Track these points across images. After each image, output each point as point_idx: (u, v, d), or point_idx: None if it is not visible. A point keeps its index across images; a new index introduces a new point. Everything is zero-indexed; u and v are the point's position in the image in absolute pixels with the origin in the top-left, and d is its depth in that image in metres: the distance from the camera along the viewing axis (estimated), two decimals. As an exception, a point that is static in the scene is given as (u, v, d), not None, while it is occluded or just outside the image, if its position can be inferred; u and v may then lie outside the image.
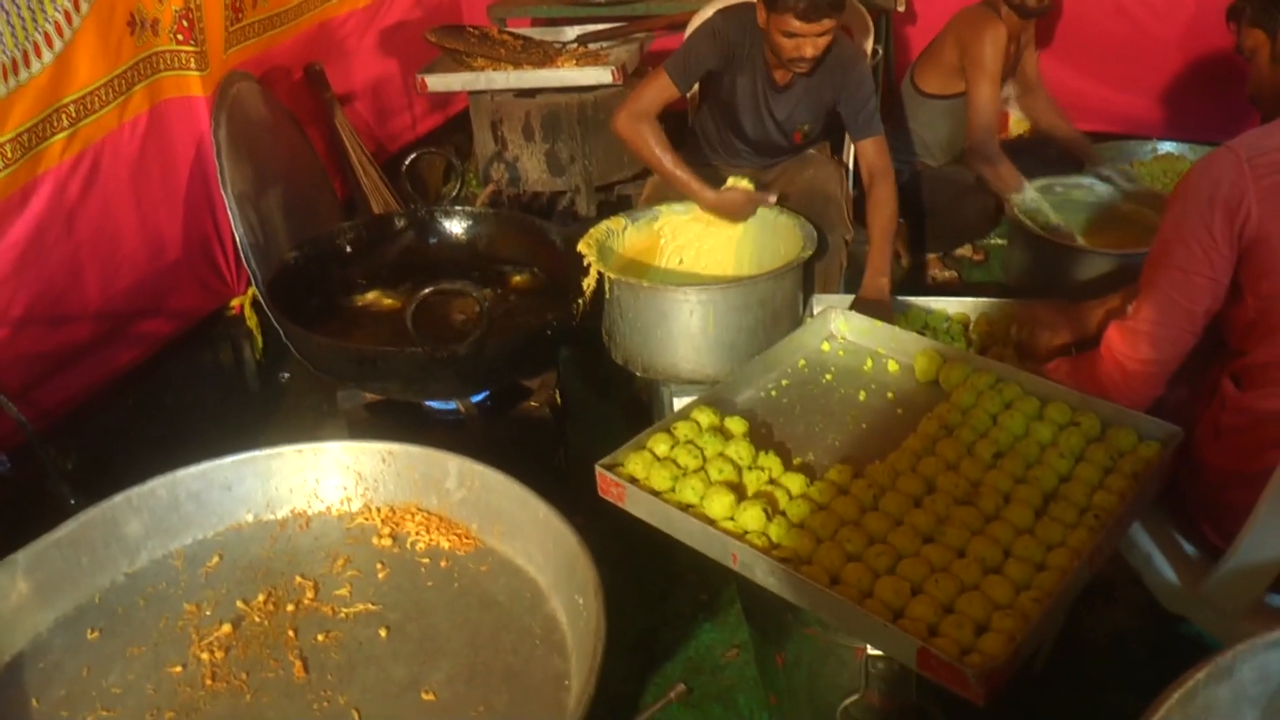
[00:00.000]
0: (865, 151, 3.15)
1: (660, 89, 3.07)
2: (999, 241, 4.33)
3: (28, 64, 2.56)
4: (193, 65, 3.15)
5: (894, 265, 4.25)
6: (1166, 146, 4.28)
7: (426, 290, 2.39)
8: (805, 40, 2.86)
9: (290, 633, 1.88)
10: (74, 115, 2.74)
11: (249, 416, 3.47)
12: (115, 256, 2.94)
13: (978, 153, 3.57)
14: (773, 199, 3.08)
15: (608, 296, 2.82)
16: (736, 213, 3.07)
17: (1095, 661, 2.46)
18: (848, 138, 3.35)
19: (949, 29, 3.73)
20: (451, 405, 2.80)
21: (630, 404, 3.32)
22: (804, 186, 3.25)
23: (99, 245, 2.88)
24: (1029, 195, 3.52)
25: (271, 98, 3.55)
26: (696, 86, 3.32)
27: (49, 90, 2.65)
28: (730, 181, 3.10)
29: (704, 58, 3.09)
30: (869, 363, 2.45)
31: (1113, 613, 2.54)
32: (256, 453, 2.14)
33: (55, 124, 2.69)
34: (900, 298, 2.89)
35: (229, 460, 2.12)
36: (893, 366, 2.43)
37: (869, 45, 3.90)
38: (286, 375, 3.69)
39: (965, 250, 4.27)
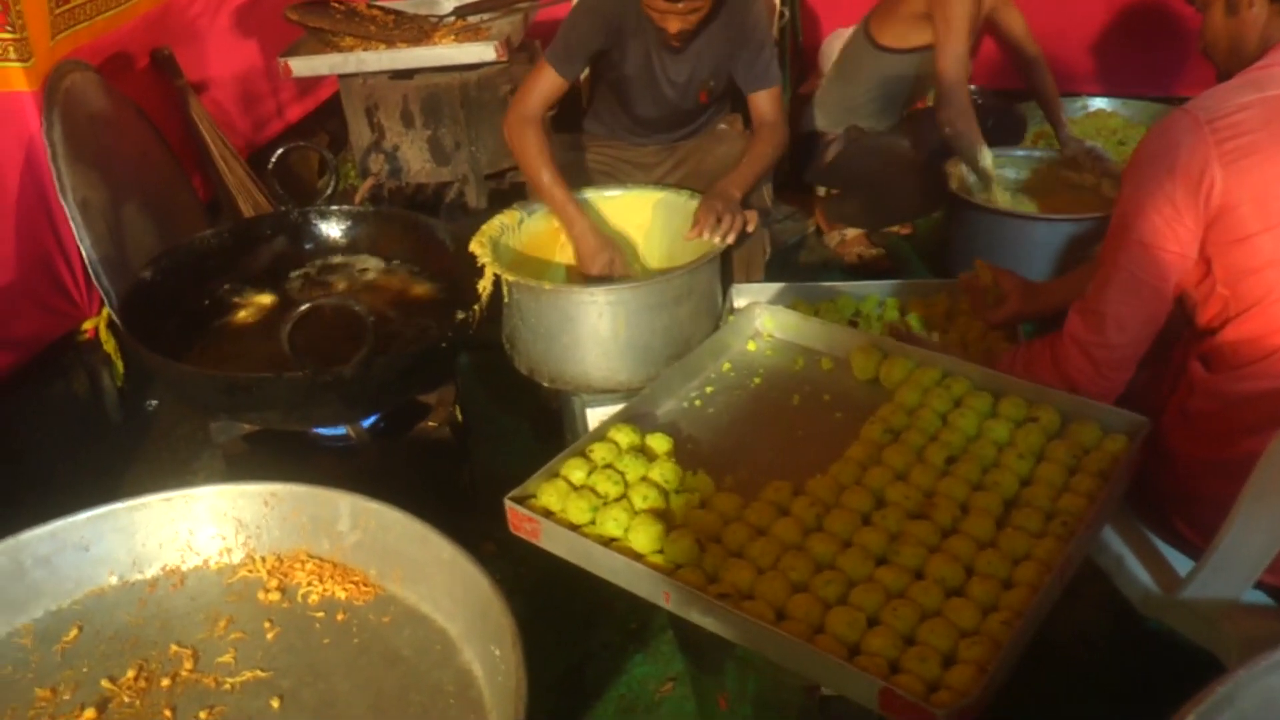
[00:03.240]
0: (759, 104, 3.10)
1: (544, 82, 3.00)
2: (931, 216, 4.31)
3: None
4: (12, 55, 2.95)
5: (813, 239, 4.24)
6: (1098, 103, 4.31)
7: (303, 307, 2.27)
8: (670, 16, 2.82)
9: (167, 712, 1.80)
10: None
11: (113, 453, 3.32)
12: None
13: (950, 104, 3.52)
14: (630, 275, 3.00)
15: (506, 300, 2.73)
16: (590, 263, 2.97)
17: (1060, 666, 2.43)
18: None
19: None
20: (341, 430, 2.69)
21: (539, 414, 3.23)
22: (716, 165, 3.18)
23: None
24: (988, 158, 3.52)
25: (113, 89, 3.38)
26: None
27: None
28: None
29: (585, 38, 3.01)
30: (800, 361, 2.40)
31: (1077, 611, 2.52)
32: (117, 505, 2.06)
33: None
34: (828, 283, 2.84)
35: (84, 516, 2.03)
36: (826, 364, 2.38)
37: (776, 5, 3.85)
38: (154, 402, 3.54)
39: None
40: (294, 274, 3.07)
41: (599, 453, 2.04)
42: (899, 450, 2.04)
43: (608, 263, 2.94)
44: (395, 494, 2.00)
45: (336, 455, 2.73)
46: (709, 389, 2.33)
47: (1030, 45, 3.86)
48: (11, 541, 1.94)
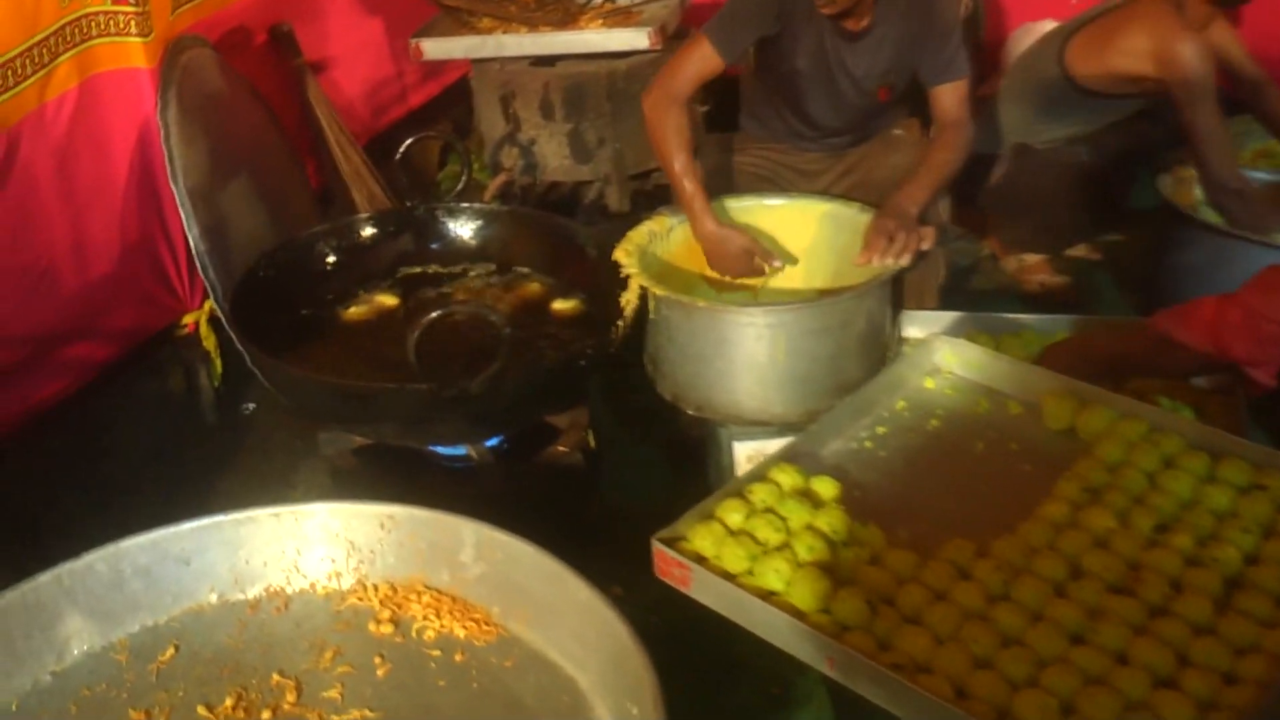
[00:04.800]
0: (942, 99, 3.05)
1: (699, 60, 2.96)
2: (1117, 237, 4.21)
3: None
4: (133, 29, 3.03)
5: (989, 263, 4.18)
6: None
7: (433, 315, 2.30)
8: None
9: (267, 748, 1.81)
10: (-21, 93, 2.64)
11: (206, 457, 3.38)
12: (34, 267, 2.84)
13: (1226, 188, 3.42)
14: (778, 264, 2.98)
15: (652, 316, 2.73)
16: (726, 263, 2.96)
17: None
18: None
19: (1126, 20, 3.56)
20: (461, 450, 2.71)
21: (675, 443, 3.21)
22: (889, 176, 3.15)
23: (13, 253, 2.78)
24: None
25: (229, 68, 3.47)
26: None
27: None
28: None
29: (752, 16, 2.99)
30: (984, 404, 2.38)
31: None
32: (221, 518, 2.08)
33: (-46, 104, 2.59)
34: (1011, 315, 2.78)
35: (187, 527, 2.05)
36: (1014, 408, 2.35)
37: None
38: (252, 406, 3.60)
39: (1079, 249, 4.16)
40: (416, 275, 3.11)
41: (759, 495, 2.04)
42: (1099, 513, 2.00)
43: (741, 253, 2.92)
44: (514, 523, 1.99)
45: (454, 477, 2.76)
46: (881, 429, 2.32)
47: (1250, 66, 3.75)
48: (111, 549, 1.97)
